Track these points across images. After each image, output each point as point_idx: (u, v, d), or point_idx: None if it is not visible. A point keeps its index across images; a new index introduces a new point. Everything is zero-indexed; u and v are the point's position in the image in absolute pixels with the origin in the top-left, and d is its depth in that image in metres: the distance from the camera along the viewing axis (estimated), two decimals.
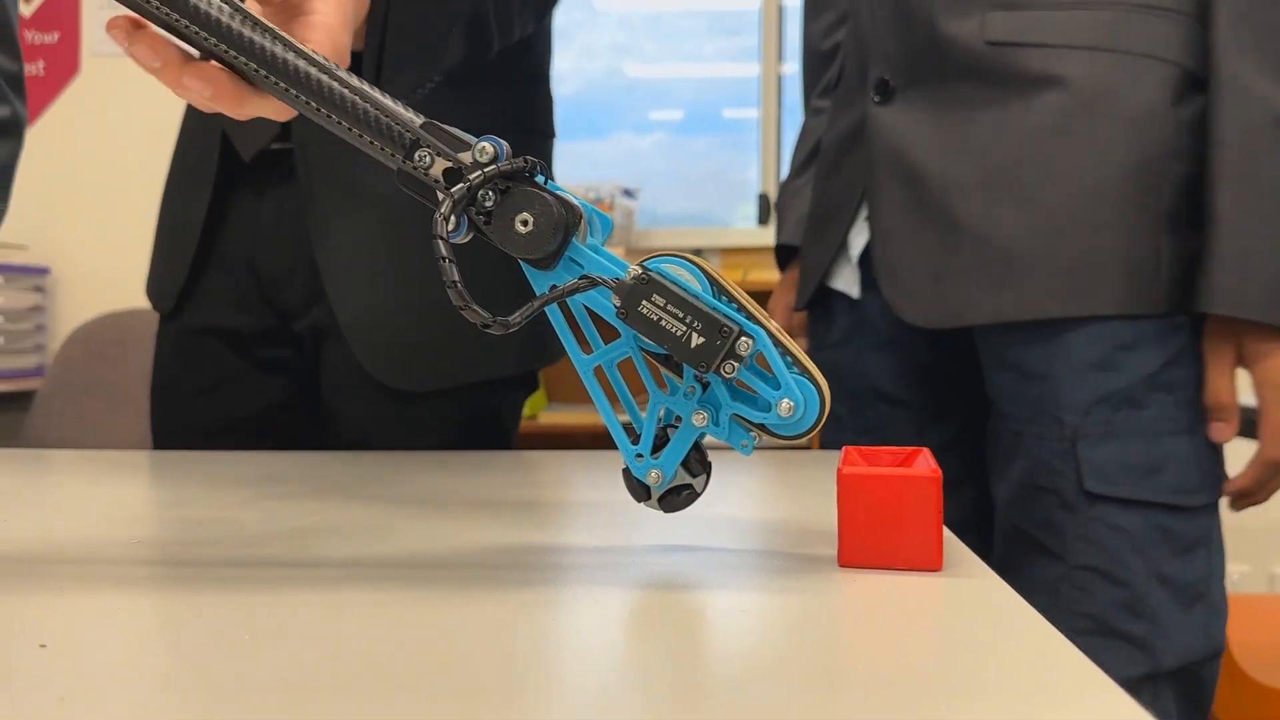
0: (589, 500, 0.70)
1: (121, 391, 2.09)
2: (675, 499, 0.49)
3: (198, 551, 0.50)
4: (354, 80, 0.48)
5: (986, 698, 0.30)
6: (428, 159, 0.46)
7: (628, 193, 2.90)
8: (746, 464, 0.85)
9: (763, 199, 3.02)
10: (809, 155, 1.22)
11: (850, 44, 1.10)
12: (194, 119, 1.01)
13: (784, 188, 1.25)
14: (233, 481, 0.73)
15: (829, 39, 1.21)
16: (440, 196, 0.46)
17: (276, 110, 0.53)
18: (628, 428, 0.49)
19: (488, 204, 0.46)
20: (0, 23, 1.17)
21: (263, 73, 0.49)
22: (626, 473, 0.49)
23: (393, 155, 0.47)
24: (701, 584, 0.45)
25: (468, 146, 0.46)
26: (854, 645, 0.36)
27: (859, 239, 1.05)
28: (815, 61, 1.23)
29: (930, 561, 0.46)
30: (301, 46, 0.49)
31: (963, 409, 1.06)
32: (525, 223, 0.45)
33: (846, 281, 1.08)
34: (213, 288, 0.99)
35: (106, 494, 0.70)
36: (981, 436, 1.05)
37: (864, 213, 1.04)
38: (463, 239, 0.46)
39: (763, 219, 3.01)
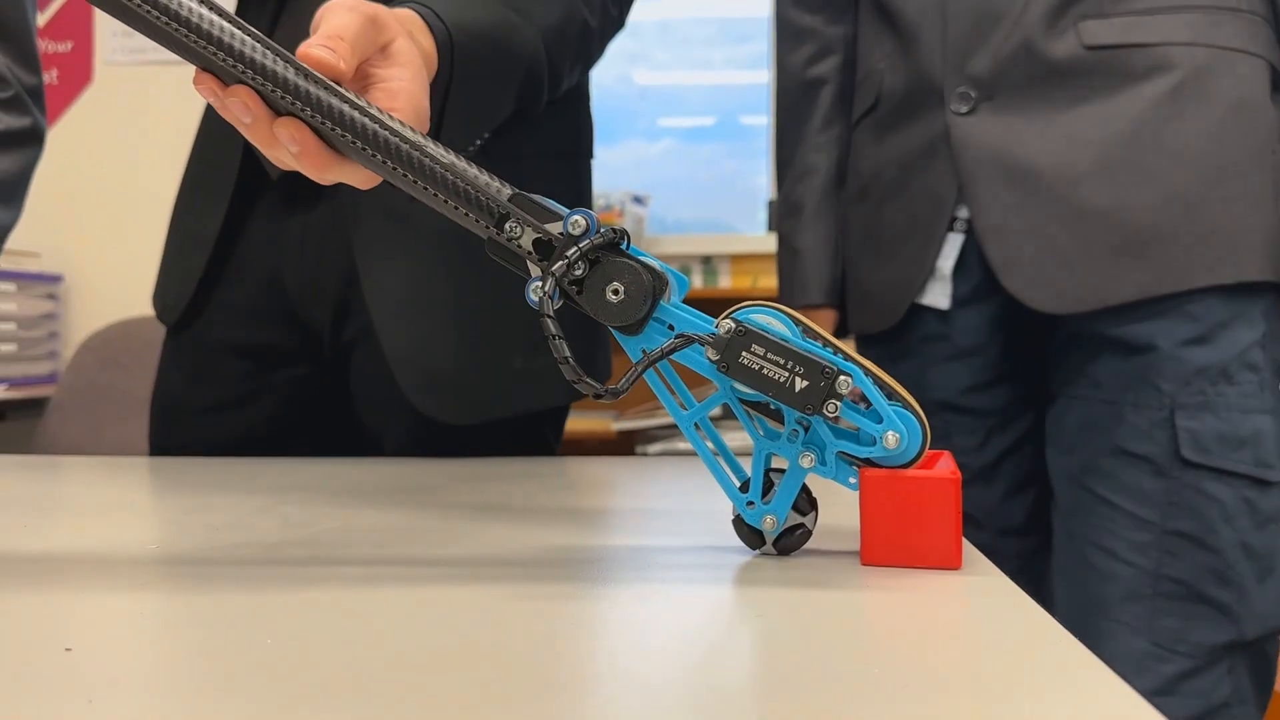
0: (620, 506, 0.70)
1: (134, 398, 2.10)
2: (790, 540, 0.50)
3: (220, 555, 0.51)
4: (442, 150, 0.49)
5: (1000, 695, 0.31)
6: (518, 230, 0.48)
7: (638, 199, 2.91)
8: None
9: (772, 205, 3.03)
10: (823, 192, 1.17)
11: (897, 65, 1.08)
12: (210, 131, 0.99)
13: (798, 239, 1.18)
14: (254, 488, 0.73)
15: (811, 69, 1.19)
16: (531, 266, 0.48)
17: (363, 179, 0.54)
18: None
19: (578, 272, 0.48)
20: (19, 37, 1.18)
21: (351, 139, 0.50)
22: (739, 521, 0.50)
23: (485, 226, 0.49)
24: (726, 582, 0.45)
25: (556, 217, 0.48)
26: (874, 645, 0.36)
27: (950, 250, 1.05)
28: (801, 92, 1.20)
29: (949, 560, 0.47)
30: (387, 116, 0.50)
31: (1027, 413, 1.09)
32: (616, 292, 0.48)
33: (934, 295, 1.07)
34: (229, 301, 0.96)
35: (124, 498, 0.70)
36: (1041, 436, 1.08)
37: (950, 223, 1.04)
38: (556, 305, 0.48)
39: (773, 225, 3.02)
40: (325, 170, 0.52)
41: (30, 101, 1.22)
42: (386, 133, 0.49)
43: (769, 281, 2.66)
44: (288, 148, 0.51)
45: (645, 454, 2.46)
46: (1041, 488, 1.09)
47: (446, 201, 0.49)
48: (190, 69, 0.52)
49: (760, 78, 3.10)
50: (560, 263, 0.47)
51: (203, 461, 0.90)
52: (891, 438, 0.47)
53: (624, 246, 0.48)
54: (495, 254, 0.49)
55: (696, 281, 2.68)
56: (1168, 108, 0.95)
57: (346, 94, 0.50)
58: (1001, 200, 0.99)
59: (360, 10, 0.56)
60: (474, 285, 0.90)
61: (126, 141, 2.78)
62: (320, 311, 0.94)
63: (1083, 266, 0.96)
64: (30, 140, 1.22)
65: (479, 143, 0.82)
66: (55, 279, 2.71)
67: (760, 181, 3.09)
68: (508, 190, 0.49)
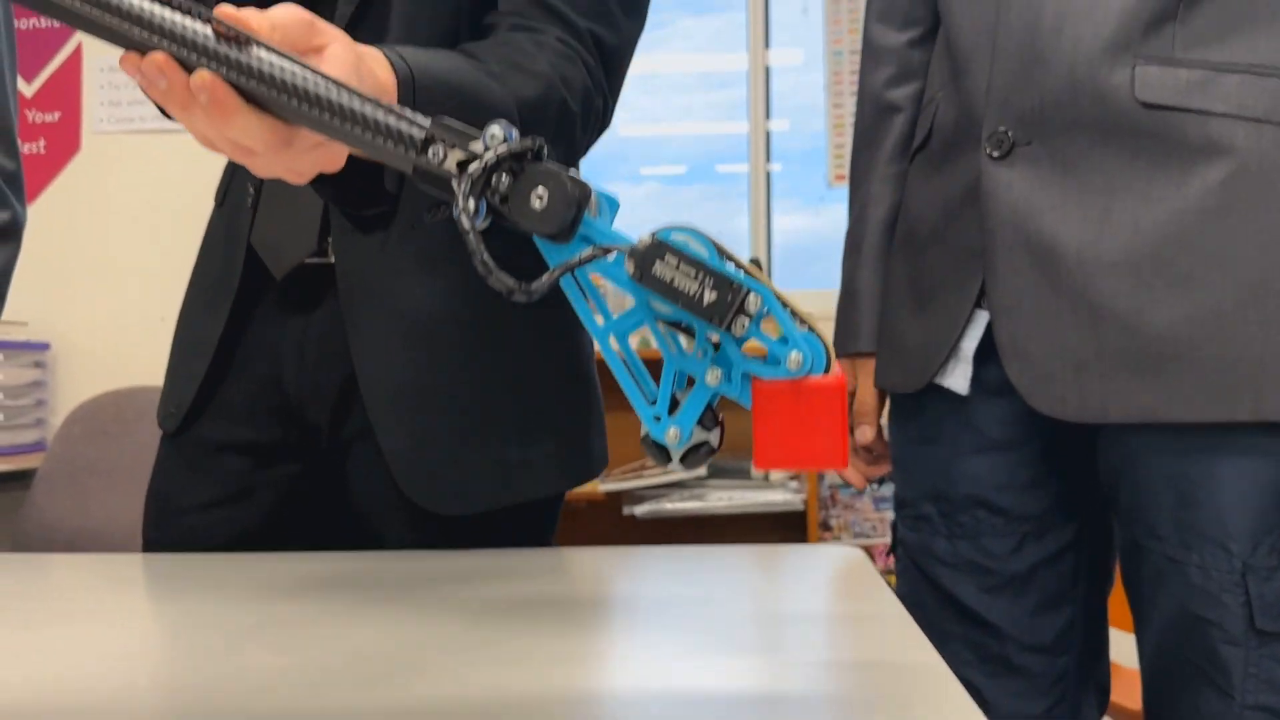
0: (616, 599, 0.68)
1: (122, 470, 2.11)
2: (695, 456, 0.51)
3: (214, 685, 0.50)
4: (361, 91, 0.50)
5: None
6: (441, 152, 0.49)
7: None
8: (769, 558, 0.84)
9: (754, 262, 3.06)
10: (885, 229, 1.10)
11: (950, 96, 1.01)
12: (213, 240, 1.01)
13: (857, 279, 1.11)
14: (251, 587, 0.70)
15: (890, 92, 1.11)
16: (455, 186, 0.48)
17: (272, 137, 0.53)
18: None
19: (503, 187, 0.48)
20: None
21: (264, 87, 0.50)
22: (646, 439, 0.51)
23: (406, 153, 0.49)
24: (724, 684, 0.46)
25: (477, 137, 0.48)
26: None
27: (975, 329, 0.96)
28: (877, 115, 1.12)
29: (837, 460, 0.48)
30: (304, 62, 0.51)
31: (1070, 521, 1.00)
32: (540, 198, 0.47)
33: (954, 376, 0.98)
34: (228, 401, 0.97)
35: (116, 604, 0.67)
36: (1086, 546, 1.00)
37: (978, 295, 0.95)
38: (482, 224, 0.48)
39: None
40: (230, 117, 0.51)
41: (9, 192, 1.23)
42: (304, 75, 0.50)
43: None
44: (198, 97, 0.51)
45: (633, 514, 2.46)
46: (1078, 607, 1.00)
47: (367, 135, 0.49)
48: (179, 142, 0.53)
49: (741, 128, 3.14)
50: (477, 164, 0.47)
51: (196, 559, 0.90)
52: (794, 357, 0.47)
53: (542, 158, 0.48)
54: (421, 181, 0.49)
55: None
56: (1215, 200, 0.83)
57: (263, 46, 0.51)
58: (1020, 277, 0.90)
59: (302, 11, 0.57)
60: (466, 379, 0.92)
61: (114, 210, 2.81)
62: (318, 410, 0.95)
63: (1091, 372, 0.86)
64: (10, 235, 1.23)
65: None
66: (42, 347, 2.72)
67: (741, 227, 3.12)
68: (430, 119, 0.50)
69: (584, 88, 0.86)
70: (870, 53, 1.14)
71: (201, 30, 0.51)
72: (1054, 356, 0.88)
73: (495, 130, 0.48)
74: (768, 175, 3.09)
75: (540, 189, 0.47)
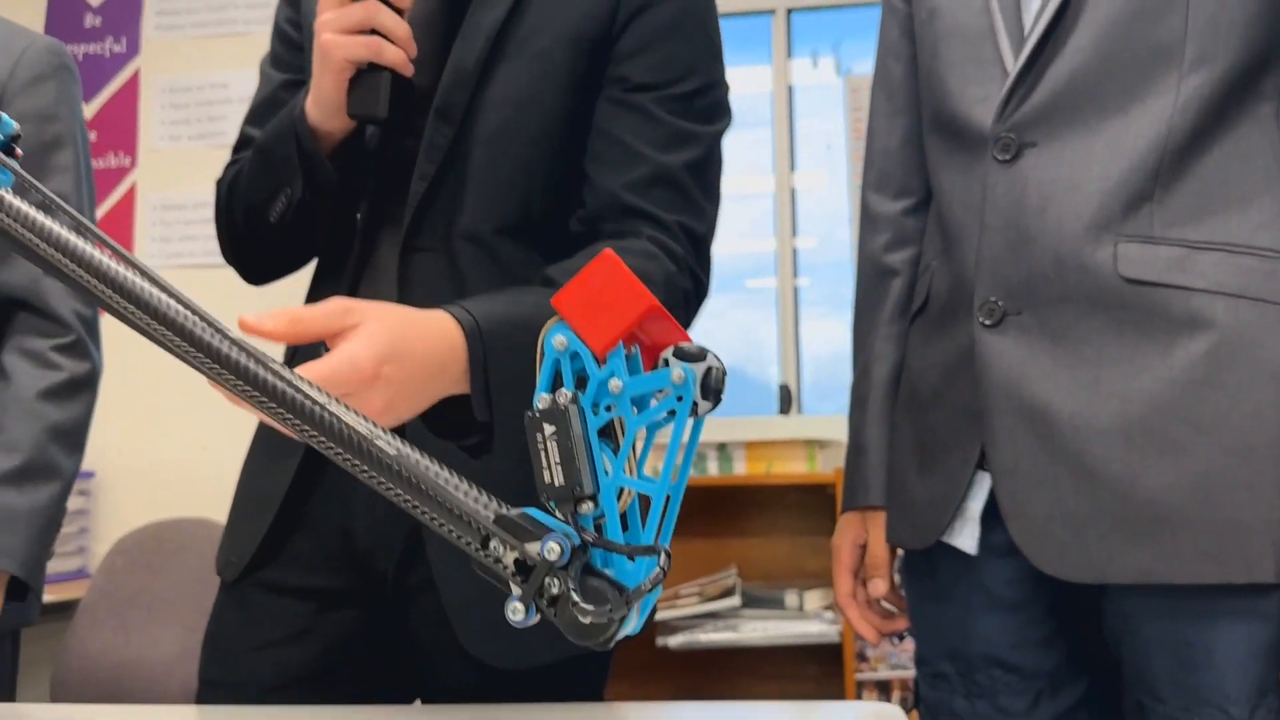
0: None
1: (164, 603, 2.14)
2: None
3: None
4: (429, 463, 0.54)
5: None
6: (501, 549, 0.53)
7: None
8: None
9: (784, 389, 3.10)
10: (888, 385, 1.14)
11: (943, 265, 1.06)
12: None
13: (863, 435, 1.15)
14: None
15: (887, 256, 1.16)
16: (512, 585, 0.53)
17: None
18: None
19: (553, 590, 0.52)
20: None
21: (340, 452, 0.55)
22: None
23: (470, 544, 0.54)
24: None
25: (536, 537, 0.52)
26: None
27: (979, 490, 0.99)
28: (876, 277, 1.17)
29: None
30: (381, 431, 0.55)
31: (1083, 677, 1.02)
32: (584, 614, 0.51)
33: (961, 536, 1.00)
34: (295, 552, 0.99)
35: None
36: (1099, 702, 1.01)
37: (979, 456, 0.98)
38: (531, 621, 0.53)
39: (783, 408, 3.08)
40: None
41: (89, 341, 1.29)
42: (370, 443, 0.55)
43: (783, 467, 2.71)
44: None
45: (666, 645, 2.46)
46: None
47: (429, 515, 0.54)
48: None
49: (768, 245, 3.21)
50: (530, 586, 0.51)
51: (250, 712, 0.93)
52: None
53: (592, 562, 0.52)
54: (479, 569, 0.54)
55: (712, 469, 2.73)
56: (1201, 372, 0.88)
57: (328, 404, 0.56)
58: (1017, 441, 0.94)
59: (339, 301, 0.63)
60: None
61: None
62: (385, 560, 0.97)
63: (1089, 534, 0.90)
64: (92, 384, 1.29)
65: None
66: (87, 475, 2.78)
67: (770, 359, 3.17)
68: (493, 507, 0.54)
69: (665, 278, 0.90)
70: (868, 219, 1.19)
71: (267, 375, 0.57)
72: (1053, 518, 0.92)
73: (554, 545, 0.51)
74: (795, 290, 3.15)
75: (585, 607, 0.51)
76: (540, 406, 0.52)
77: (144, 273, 0.59)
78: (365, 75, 0.88)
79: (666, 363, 0.51)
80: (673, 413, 0.51)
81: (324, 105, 0.90)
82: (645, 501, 0.53)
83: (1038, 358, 0.94)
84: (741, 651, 2.52)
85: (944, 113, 1.06)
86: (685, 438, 0.51)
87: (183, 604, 2.09)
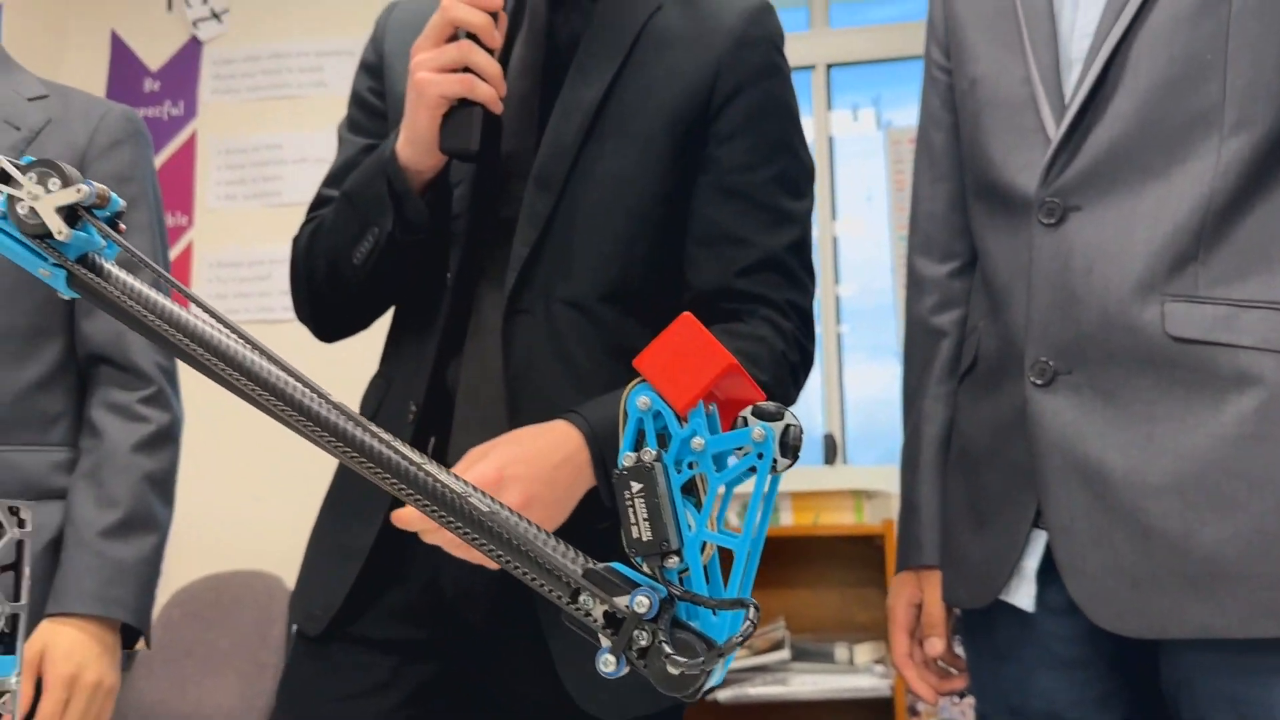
0: None
1: (221, 654, 2.17)
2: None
3: None
4: (522, 523, 0.56)
5: None
6: (590, 603, 0.55)
7: None
8: None
9: (828, 439, 3.10)
10: (939, 444, 1.16)
11: (990, 326, 1.07)
12: None
13: (915, 494, 1.16)
14: None
15: (935, 318, 1.18)
16: (601, 637, 0.54)
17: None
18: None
19: (641, 642, 0.53)
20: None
21: (438, 511, 0.57)
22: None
23: (560, 597, 0.55)
24: None
25: (624, 591, 0.54)
26: None
27: (1035, 548, 1.00)
28: (924, 338, 1.19)
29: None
30: (475, 491, 0.57)
31: None
32: (675, 666, 0.52)
33: (1018, 594, 1.01)
34: (382, 604, 0.99)
35: None
36: None
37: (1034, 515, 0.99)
38: (623, 673, 0.54)
39: (828, 458, 3.08)
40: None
41: (170, 393, 1.33)
42: (464, 500, 0.56)
43: (830, 518, 2.70)
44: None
45: (716, 700, 2.45)
46: None
47: (521, 569, 0.55)
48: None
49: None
50: (619, 639, 0.53)
51: None
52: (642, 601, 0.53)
53: (681, 616, 0.53)
54: (568, 622, 0.55)
55: None
56: (1252, 427, 0.89)
57: (423, 463, 0.58)
58: (1072, 498, 0.95)
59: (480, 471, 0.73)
60: None
61: (215, 398, 2.95)
62: (472, 611, 0.98)
63: (1147, 589, 0.91)
64: (176, 435, 1.33)
65: None
66: None
67: (814, 403, 3.17)
68: (581, 562, 0.55)
69: (772, 358, 0.96)
70: (914, 282, 1.21)
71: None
72: (1111, 574, 0.93)
73: (643, 599, 0.53)
74: (838, 337, 3.17)
75: (678, 659, 0.52)
76: (626, 465, 0.54)
77: (233, 330, 0.62)
78: (458, 111, 0.93)
79: (746, 421, 0.53)
80: (753, 469, 0.53)
81: (417, 142, 0.94)
82: (722, 555, 0.55)
83: (1090, 416, 0.95)
84: (791, 705, 2.50)
85: (988, 179, 1.08)
86: (764, 492, 0.53)
87: (239, 656, 2.11)
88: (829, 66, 3.21)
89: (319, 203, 1.10)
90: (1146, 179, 0.97)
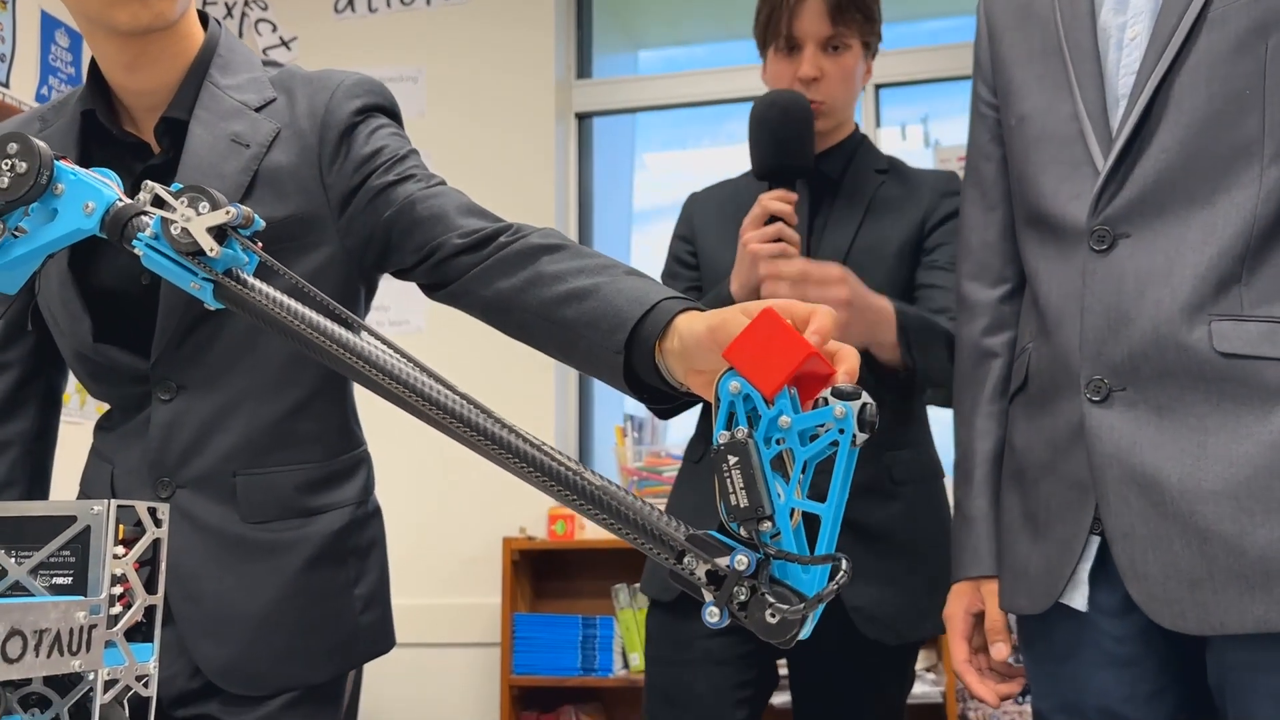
0: None
1: None
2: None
3: None
4: (624, 494, 0.64)
5: None
6: (694, 563, 0.62)
7: None
8: None
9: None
10: (992, 460, 1.22)
11: (1041, 347, 1.13)
12: None
13: (970, 506, 1.23)
14: None
15: (986, 340, 1.24)
16: (704, 592, 0.61)
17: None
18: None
19: (741, 597, 0.61)
20: None
21: (559, 488, 0.65)
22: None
23: (667, 559, 0.63)
24: None
25: (724, 552, 0.61)
26: None
27: (1089, 553, 1.06)
28: (977, 358, 1.25)
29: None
30: (591, 473, 0.65)
31: None
32: (773, 616, 0.60)
33: (1073, 597, 1.07)
34: None
35: None
36: None
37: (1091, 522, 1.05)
38: (723, 624, 0.61)
39: None
40: None
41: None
42: (588, 483, 0.64)
43: None
44: None
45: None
46: None
47: (635, 537, 0.63)
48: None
49: None
50: (728, 594, 0.60)
51: None
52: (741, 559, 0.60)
53: (773, 572, 0.61)
54: (675, 581, 0.62)
55: None
56: None
57: (555, 454, 0.65)
58: (1130, 507, 1.01)
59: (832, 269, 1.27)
60: None
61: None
62: None
63: (1205, 589, 0.96)
64: None
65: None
66: None
67: None
68: (684, 530, 0.63)
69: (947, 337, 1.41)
70: (966, 307, 1.28)
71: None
72: (1169, 576, 0.99)
73: (742, 558, 0.61)
74: None
75: (772, 611, 0.60)
76: (722, 441, 0.61)
77: (369, 332, 0.70)
78: None
79: (826, 401, 0.60)
80: (835, 444, 0.60)
81: (746, 286, 1.39)
82: (808, 522, 0.62)
83: (1145, 429, 1.01)
84: None
85: (1039, 209, 1.15)
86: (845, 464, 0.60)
87: None
88: (877, 86, 3.27)
89: None
90: (1192, 207, 1.03)
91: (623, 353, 0.85)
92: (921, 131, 3.35)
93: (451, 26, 3.27)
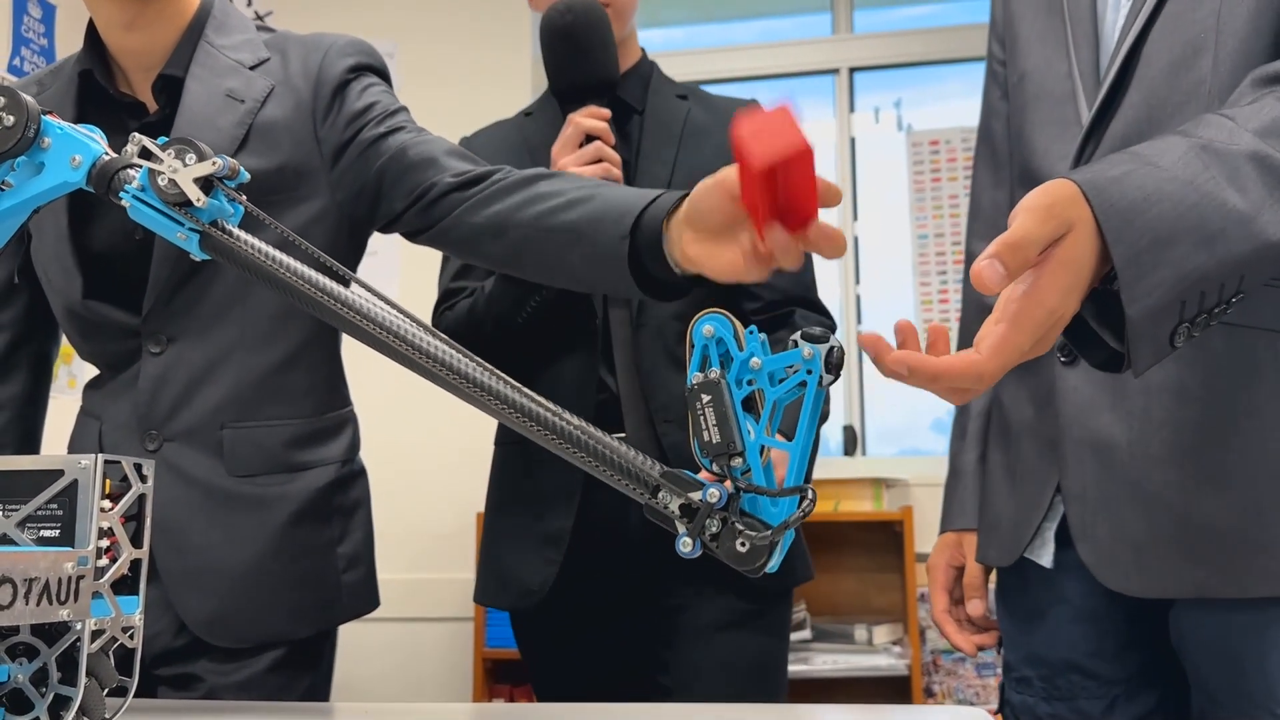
0: None
1: None
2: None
3: None
4: (602, 435, 0.67)
5: None
6: (669, 498, 0.65)
7: None
8: None
9: (848, 430, 3.18)
10: (984, 416, 1.24)
11: None
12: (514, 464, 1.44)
13: (960, 460, 1.26)
14: None
15: (989, 297, 1.25)
16: (678, 524, 0.65)
17: None
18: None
19: (714, 528, 0.64)
20: None
21: (532, 425, 0.67)
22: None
23: (641, 494, 0.66)
24: None
25: (697, 487, 0.65)
26: None
27: (1055, 513, 1.08)
28: (979, 316, 1.20)
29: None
30: (569, 415, 0.68)
31: (1156, 684, 1.09)
32: (743, 546, 0.63)
33: (1040, 553, 1.10)
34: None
35: None
36: (1173, 710, 1.08)
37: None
38: (695, 554, 0.64)
39: (848, 449, 3.16)
40: None
41: None
42: (563, 423, 0.67)
43: (850, 506, 2.79)
44: None
45: None
46: None
47: (612, 475, 0.66)
48: None
49: (832, 293, 3.30)
50: (694, 524, 0.64)
51: None
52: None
53: (742, 505, 0.64)
54: (650, 515, 0.66)
55: None
56: (1245, 400, 0.95)
57: (538, 399, 0.68)
58: (1085, 467, 1.02)
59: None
60: None
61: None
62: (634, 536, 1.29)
63: (1148, 553, 0.98)
64: None
65: None
66: None
67: (835, 397, 3.25)
68: (658, 468, 0.66)
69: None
70: (969, 263, 1.26)
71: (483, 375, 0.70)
72: (1117, 539, 1.00)
73: (714, 491, 0.64)
74: (858, 336, 3.25)
75: (742, 540, 0.63)
76: (696, 381, 0.64)
77: (357, 281, 0.72)
78: None
79: (795, 343, 0.63)
80: (803, 384, 0.63)
81: None
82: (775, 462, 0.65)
83: (1103, 391, 1.02)
84: (813, 683, 2.58)
85: (1031, 168, 1.15)
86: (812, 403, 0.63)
87: None
88: (851, 70, 3.30)
89: (449, 294, 1.42)
90: None
91: (628, 238, 0.89)
92: (895, 116, 3.38)
93: (426, 2, 3.27)
